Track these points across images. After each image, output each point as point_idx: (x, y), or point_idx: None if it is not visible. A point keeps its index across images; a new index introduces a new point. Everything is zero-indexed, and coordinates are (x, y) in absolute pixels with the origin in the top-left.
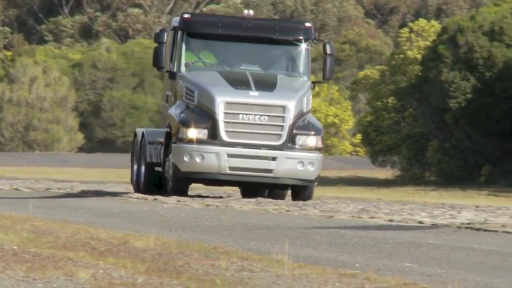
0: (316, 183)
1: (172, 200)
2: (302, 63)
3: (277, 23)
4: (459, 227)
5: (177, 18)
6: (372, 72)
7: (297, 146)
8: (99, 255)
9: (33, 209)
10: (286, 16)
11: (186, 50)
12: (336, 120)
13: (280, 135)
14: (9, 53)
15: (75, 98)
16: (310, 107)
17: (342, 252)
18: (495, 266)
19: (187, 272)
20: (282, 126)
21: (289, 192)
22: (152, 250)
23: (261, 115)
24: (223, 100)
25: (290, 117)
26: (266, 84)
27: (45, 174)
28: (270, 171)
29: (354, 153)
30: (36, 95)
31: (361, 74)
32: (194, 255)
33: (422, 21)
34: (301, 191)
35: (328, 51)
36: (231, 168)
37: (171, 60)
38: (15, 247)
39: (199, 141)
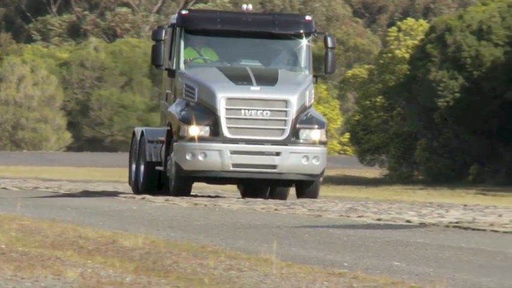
0: (321, 178)
1: (160, 199)
2: (303, 57)
3: (277, 17)
4: (447, 226)
5: (175, 15)
6: (360, 71)
7: (300, 141)
8: (87, 254)
9: (21, 208)
10: None
11: (185, 46)
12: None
13: (283, 129)
14: None
15: (63, 97)
16: (312, 100)
17: (330, 251)
18: (483, 265)
19: (176, 271)
20: (284, 120)
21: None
22: (140, 249)
23: (263, 110)
24: (224, 96)
25: (293, 111)
26: (267, 79)
27: (33, 173)
28: (274, 166)
29: (342, 152)
30: (24, 94)
31: (350, 73)
32: (182, 254)
33: (410, 20)
34: (305, 187)
35: (330, 44)
36: (234, 165)
37: (169, 58)
38: (3, 246)
39: (201, 139)
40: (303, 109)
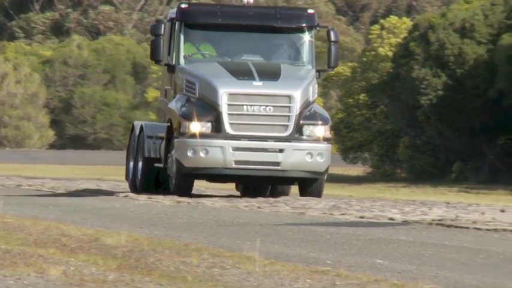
0: (325, 176)
1: (143, 197)
2: (306, 51)
3: (279, 11)
4: (430, 224)
5: (174, 10)
6: (343, 69)
7: (304, 137)
8: (70, 252)
9: (4, 205)
10: None
11: (185, 41)
12: None
13: (286, 126)
14: None
15: (46, 95)
16: (316, 96)
17: (313, 248)
18: (466, 263)
19: (159, 268)
20: (288, 116)
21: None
22: (123, 247)
23: (266, 106)
24: (226, 91)
25: (296, 107)
26: (270, 74)
27: (15, 171)
28: (277, 163)
29: None
30: (6, 92)
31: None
32: (165, 252)
33: (393, 18)
34: (309, 185)
35: (333, 38)
36: (236, 162)
37: (168, 53)
38: None
39: (203, 135)
40: (306, 105)
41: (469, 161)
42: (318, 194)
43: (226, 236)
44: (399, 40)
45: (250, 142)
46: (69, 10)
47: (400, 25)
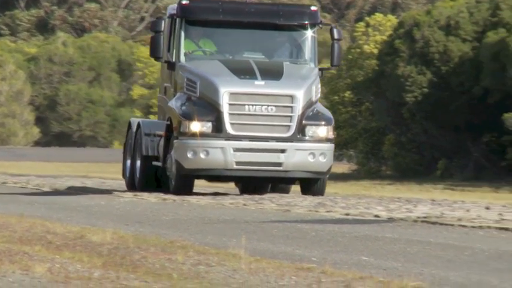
0: (327, 176)
1: (129, 194)
2: (308, 49)
3: (281, 8)
4: (415, 221)
5: (174, 6)
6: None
7: (307, 137)
8: (56, 249)
9: None
10: None
11: (185, 38)
12: None
13: (289, 126)
14: None
15: (31, 92)
16: (319, 95)
17: (299, 246)
18: (451, 260)
19: (144, 266)
20: (290, 116)
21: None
22: (109, 244)
23: (268, 105)
24: (227, 91)
25: (299, 107)
26: (272, 73)
27: (1, 168)
28: (279, 164)
29: None
30: None
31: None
32: (151, 249)
33: (378, 16)
34: (311, 184)
35: (336, 35)
36: (237, 163)
37: (168, 50)
38: None
39: (203, 135)
40: (309, 104)
41: (454, 158)
42: (320, 193)
43: (212, 233)
44: (384, 37)
45: (251, 143)
46: (55, 7)
47: (385, 22)
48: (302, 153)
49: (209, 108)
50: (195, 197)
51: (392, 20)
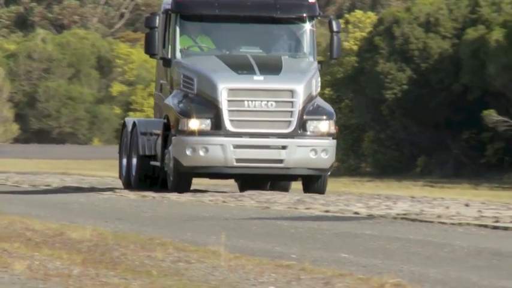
0: (329, 173)
1: (108, 191)
2: (307, 42)
3: (278, 0)
4: (395, 218)
5: (169, 0)
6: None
7: (308, 133)
8: (35, 246)
9: None
10: None
11: (181, 34)
12: None
13: (289, 121)
14: None
15: (10, 89)
16: (319, 89)
17: (278, 243)
18: (430, 257)
19: (124, 263)
20: (291, 112)
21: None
22: (88, 241)
23: (268, 101)
24: (226, 87)
25: (299, 101)
26: (271, 67)
27: None
28: (280, 161)
29: None
30: None
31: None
32: (130, 247)
33: (358, 13)
34: (313, 181)
35: (335, 28)
36: (238, 160)
37: (163, 46)
38: None
39: (202, 133)
40: (309, 99)
41: (433, 155)
42: (322, 191)
43: (192, 230)
44: (364, 34)
45: (251, 139)
46: (34, 4)
47: (365, 19)
48: (304, 150)
49: (207, 105)
50: (174, 193)
51: (371, 17)
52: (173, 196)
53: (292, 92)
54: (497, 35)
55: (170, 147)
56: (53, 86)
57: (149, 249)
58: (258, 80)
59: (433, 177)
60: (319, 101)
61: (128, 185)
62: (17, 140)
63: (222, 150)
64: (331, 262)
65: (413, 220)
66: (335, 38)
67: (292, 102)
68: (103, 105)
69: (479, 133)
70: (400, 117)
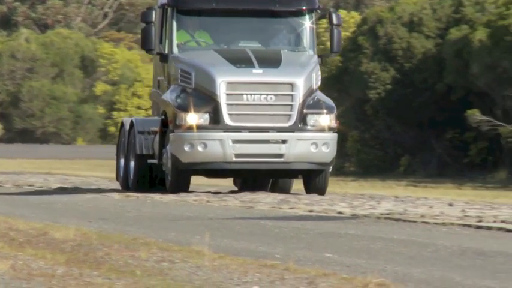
0: (331, 168)
1: (92, 191)
2: (306, 36)
3: None
4: (379, 218)
5: None
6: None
7: (308, 127)
8: (18, 246)
9: None
10: None
11: (178, 28)
12: None
13: (289, 115)
14: None
15: None
16: (319, 83)
17: (262, 242)
18: (414, 256)
19: (107, 263)
20: (291, 105)
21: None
22: (72, 241)
23: (267, 94)
24: (224, 80)
25: (299, 95)
26: (270, 61)
27: None
28: (280, 155)
29: None
30: None
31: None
32: (114, 246)
33: (342, 12)
34: (314, 177)
35: (335, 21)
36: (237, 156)
37: (160, 41)
38: None
39: (201, 128)
40: (309, 92)
41: (417, 154)
42: (323, 188)
43: (175, 230)
44: (348, 34)
45: (251, 134)
46: (17, 4)
47: (349, 19)
48: (304, 144)
49: (206, 99)
50: (158, 193)
51: (355, 16)
52: (157, 196)
53: (292, 85)
54: (480, 34)
55: (168, 146)
56: (36, 85)
57: (133, 249)
58: (257, 73)
59: (417, 177)
60: (320, 95)
61: (126, 186)
62: (0, 140)
63: (220, 146)
64: (315, 262)
65: (396, 220)
66: (335, 31)
67: (292, 95)
68: (87, 105)
69: (462, 133)
70: (383, 116)
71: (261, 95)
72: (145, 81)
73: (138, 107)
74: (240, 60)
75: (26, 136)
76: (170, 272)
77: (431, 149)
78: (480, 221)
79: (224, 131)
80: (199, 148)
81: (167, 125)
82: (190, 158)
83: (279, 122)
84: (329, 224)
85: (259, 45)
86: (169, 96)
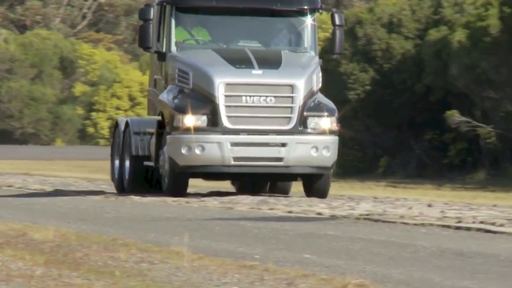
0: (332, 171)
1: (71, 192)
2: (308, 36)
3: None
4: (358, 218)
5: None
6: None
7: (309, 130)
8: None
9: None
10: None
11: (176, 26)
12: None
13: (289, 118)
14: None
15: None
16: (320, 85)
17: (241, 243)
18: (393, 257)
19: (87, 263)
20: (291, 107)
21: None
22: (51, 242)
23: (267, 96)
24: (223, 81)
25: (300, 97)
26: (270, 62)
27: None
28: (280, 159)
29: None
30: None
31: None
32: (93, 247)
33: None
34: (314, 181)
35: (337, 21)
36: (235, 159)
37: (158, 40)
38: None
39: (198, 130)
40: (310, 95)
41: (396, 155)
42: (324, 191)
43: (155, 231)
44: (327, 35)
45: (249, 136)
46: None
47: (328, 20)
48: (304, 147)
49: (203, 101)
50: (137, 194)
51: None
52: (136, 197)
53: (292, 87)
54: (459, 35)
55: (165, 148)
56: (15, 86)
57: (112, 250)
58: (257, 74)
59: (396, 178)
60: (321, 97)
61: (121, 188)
62: None
63: (219, 149)
64: (294, 263)
65: (376, 220)
66: (337, 32)
67: (292, 97)
68: (66, 105)
69: (442, 134)
70: (363, 117)
71: (260, 96)
72: (125, 82)
73: (117, 108)
74: (239, 61)
75: (4, 137)
76: (149, 272)
77: (410, 149)
78: (459, 222)
79: (222, 134)
80: (197, 151)
81: (164, 126)
82: (188, 161)
83: (278, 125)
84: (308, 224)
85: (259, 45)
86: (166, 96)
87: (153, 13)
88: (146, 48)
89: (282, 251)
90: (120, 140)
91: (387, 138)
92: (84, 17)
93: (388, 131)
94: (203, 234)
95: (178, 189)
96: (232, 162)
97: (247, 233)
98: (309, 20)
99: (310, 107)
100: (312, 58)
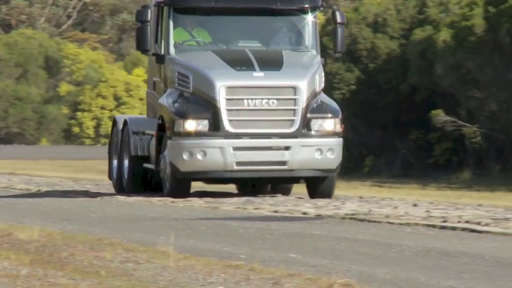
0: (336, 173)
1: (56, 191)
2: (309, 35)
3: None
4: (343, 218)
5: None
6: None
7: (312, 132)
8: None
9: None
10: None
11: (174, 28)
12: None
13: (292, 120)
14: None
15: None
16: (323, 85)
17: (227, 243)
18: (379, 257)
19: (72, 263)
20: (294, 110)
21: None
22: (36, 242)
23: (269, 99)
24: (224, 84)
25: (303, 99)
26: (271, 63)
27: None
28: (283, 163)
29: None
30: None
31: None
32: (79, 247)
33: None
34: (318, 183)
35: (339, 19)
36: (238, 164)
37: (156, 41)
38: None
39: (200, 135)
40: (313, 96)
41: (381, 155)
42: (328, 193)
43: (140, 231)
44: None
45: (252, 140)
46: None
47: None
48: (308, 150)
49: (204, 105)
50: (123, 193)
51: (319, 17)
52: (121, 196)
53: (294, 89)
54: (444, 35)
55: (165, 152)
56: (0, 86)
57: (98, 250)
58: (258, 77)
59: (381, 178)
60: (324, 98)
61: (120, 187)
62: None
63: (221, 153)
64: (280, 262)
65: (361, 220)
66: (339, 30)
67: (295, 99)
68: (51, 105)
69: (427, 133)
70: (348, 117)
71: (262, 99)
72: (110, 82)
73: (102, 108)
74: (240, 63)
75: None
76: (135, 272)
77: (395, 149)
78: (444, 222)
79: (224, 138)
80: (199, 156)
81: (164, 129)
82: (189, 166)
83: (281, 128)
84: (294, 224)
85: (260, 45)
86: (166, 100)
87: (150, 15)
88: (144, 51)
89: (268, 250)
90: (118, 138)
91: (372, 138)
92: (69, 16)
93: (373, 130)
94: (189, 234)
95: (180, 194)
96: (235, 167)
97: (233, 233)
98: (309, 18)
99: (314, 109)
100: (313, 57)
